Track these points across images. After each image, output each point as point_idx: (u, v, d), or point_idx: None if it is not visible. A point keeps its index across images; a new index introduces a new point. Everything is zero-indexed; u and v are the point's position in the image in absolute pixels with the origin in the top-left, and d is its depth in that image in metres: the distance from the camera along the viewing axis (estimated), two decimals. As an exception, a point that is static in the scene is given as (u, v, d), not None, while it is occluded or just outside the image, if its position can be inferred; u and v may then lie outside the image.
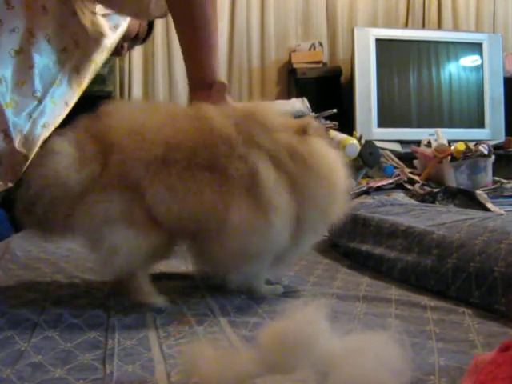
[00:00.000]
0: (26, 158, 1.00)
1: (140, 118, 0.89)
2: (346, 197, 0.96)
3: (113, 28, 1.15)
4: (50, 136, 0.97)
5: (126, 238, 0.85)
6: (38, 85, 0.96)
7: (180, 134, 0.87)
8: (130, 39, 1.35)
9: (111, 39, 1.14)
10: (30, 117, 0.97)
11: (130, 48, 1.42)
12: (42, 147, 0.92)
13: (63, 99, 1.04)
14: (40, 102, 0.98)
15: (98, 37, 1.09)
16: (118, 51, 1.32)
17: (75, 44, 1.03)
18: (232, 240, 0.87)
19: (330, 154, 0.94)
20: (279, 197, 0.86)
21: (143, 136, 0.85)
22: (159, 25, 3.19)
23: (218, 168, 0.86)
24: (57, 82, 1.01)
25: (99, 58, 1.13)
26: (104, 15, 1.11)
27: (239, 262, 0.92)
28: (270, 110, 0.96)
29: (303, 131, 0.92)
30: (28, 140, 0.97)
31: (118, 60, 3.09)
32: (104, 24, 1.10)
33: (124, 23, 1.20)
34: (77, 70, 1.06)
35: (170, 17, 1.01)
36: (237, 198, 0.85)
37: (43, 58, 0.96)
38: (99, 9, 1.09)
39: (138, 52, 3.19)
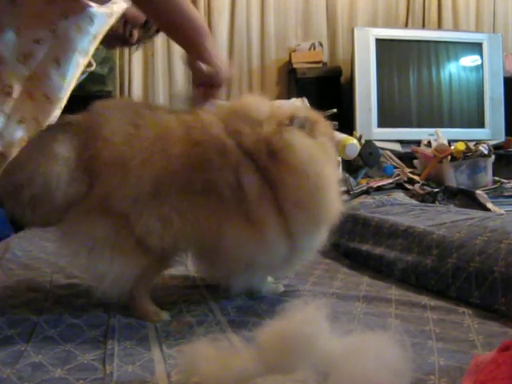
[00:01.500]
0: (2, 155, 0.95)
1: (127, 143, 0.81)
2: (336, 192, 0.89)
3: (104, 15, 1.04)
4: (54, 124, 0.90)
5: (111, 266, 0.81)
6: (7, 79, 0.91)
7: (173, 162, 0.81)
8: (141, 27, 1.25)
9: (100, 26, 1.05)
10: (4, 112, 0.92)
11: (144, 38, 1.31)
12: (46, 131, 0.85)
13: (42, 92, 0.98)
14: (11, 96, 0.92)
15: (81, 24, 1.00)
16: (126, 39, 1.23)
17: (53, 34, 0.96)
18: (228, 256, 0.85)
19: (310, 145, 0.87)
20: (264, 208, 0.83)
21: (129, 170, 0.79)
22: (159, 25, 3.18)
23: (212, 188, 0.82)
24: (31, 74, 0.95)
25: (87, 47, 1.04)
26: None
27: (237, 272, 0.91)
28: (256, 102, 0.91)
29: (285, 123, 0.86)
30: (3, 136, 0.94)
31: (117, 60, 3.09)
32: (92, 11, 1.01)
33: (117, 9, 1.10)
34: (57, 62, 0.99)
35: None
36: (230, 216, 0.82)
37: (12, 52, 0.91)
38: None
39: (137, 52, 3.19)
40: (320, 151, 0.88)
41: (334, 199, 0.88)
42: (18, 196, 0.80)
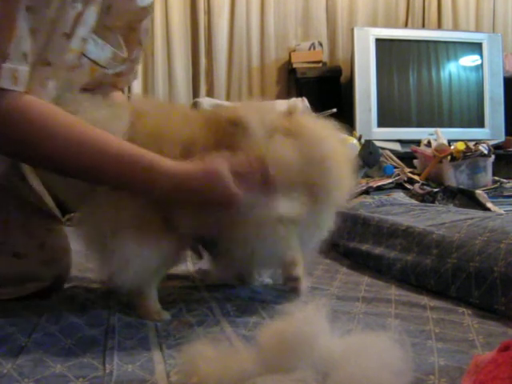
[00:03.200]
0: None
1: (162, 120, 0.86)
2: (349, 168, 0.93)
3: None
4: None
5: (138, 250, 0.79)
6: None
7: (196, 132, 0.84)
8: None
9: None
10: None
11: None
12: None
13: None
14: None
15: None
16: None
17: None
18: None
19: (321, 126, 0.93)
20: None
21: (163, 137, 0.82)
22: (159, 25, 3.18)
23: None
24: None
25: None
26: None
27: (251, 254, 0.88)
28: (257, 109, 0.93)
29: (289, 112, 0.91)
30: None
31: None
32: None
33: None
34: None
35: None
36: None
37: None
38: None
39: (137, 52, 3.18)
40: (330, 130, 0.93)
41: (348, 174, 0.93)
42: None
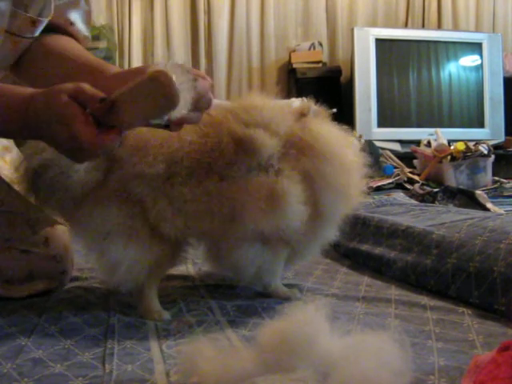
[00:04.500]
0: None
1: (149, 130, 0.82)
2: (360, 176, 0.93)
3: None
4: None
5: (125, 254, 0.81)
6: None
7: (186, 146, 0.82)
8: None
9: None
10: None
11: None
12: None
13: None
14: None
15: None
16: None
17: None
18: (243, 238, 0.86)
19: (333, 133, 0.92)
20: (296, 202, 0.84)
21: (147, 149, 0.81)
22: (159, 25, 3.18)
23: (225, 172, 0.82)
24: None
25: None
26: None
27: (251, 258, 0.90)
28: (267, 103, 0.92)
29: (302, 114, 0.90)
30: None
31: (117, 58, 3.09)
32: None
33: None
34: None
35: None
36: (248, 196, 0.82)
37: None
38: None
39: (137, 52, 3.19)
40: (341, 134, 0.93)
41: (359, 181, 0.93)
42: (37, 178, 0.82)
